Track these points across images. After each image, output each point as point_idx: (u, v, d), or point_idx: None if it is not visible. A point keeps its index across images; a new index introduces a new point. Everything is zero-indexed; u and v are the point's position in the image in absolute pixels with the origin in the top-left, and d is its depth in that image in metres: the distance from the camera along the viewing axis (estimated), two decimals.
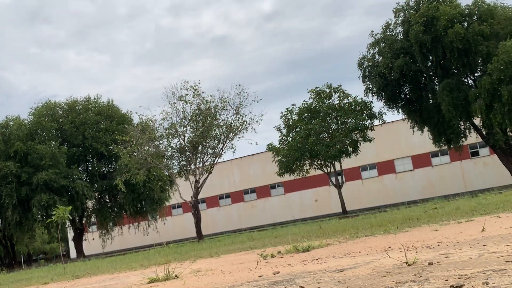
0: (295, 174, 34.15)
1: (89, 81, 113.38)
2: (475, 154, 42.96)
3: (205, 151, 26.36)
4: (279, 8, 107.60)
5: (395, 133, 44.53)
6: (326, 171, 34.24)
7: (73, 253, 49.80)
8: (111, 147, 34.92)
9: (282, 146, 33.99)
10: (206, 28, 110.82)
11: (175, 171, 27.76)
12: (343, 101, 33.25)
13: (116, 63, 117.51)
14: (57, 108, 38.54)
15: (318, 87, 33.93)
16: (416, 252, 3.00)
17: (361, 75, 30.89)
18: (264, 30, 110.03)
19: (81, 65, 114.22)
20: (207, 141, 25.99)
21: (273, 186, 50.69)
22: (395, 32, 30.29)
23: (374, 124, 33.97)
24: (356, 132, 32.61)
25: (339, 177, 34.09)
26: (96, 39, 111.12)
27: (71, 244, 50.50)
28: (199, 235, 25.70)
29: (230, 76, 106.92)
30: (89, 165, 39.80)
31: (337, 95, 33.58)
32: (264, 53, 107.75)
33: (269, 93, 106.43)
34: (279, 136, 34.43)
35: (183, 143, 26.23)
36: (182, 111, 26.03)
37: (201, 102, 25.82)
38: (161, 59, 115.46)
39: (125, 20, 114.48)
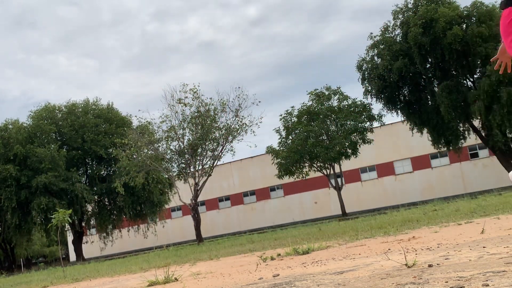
0: (295, 176, 34.15)
1: (77, 86, 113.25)
2: (475, 155, 42.98)
3: (204, 153, 26.34)
4: (265, 13, 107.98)
5: (394, 135, 44.56)
6: (325, 173, 34.25)
7: (72, 256, 49.75)
8: (110, 150, 34.91)
9: (281, 148, 34.01)
10: (193, 33, 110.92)
11: (174, 174, 27.74)
12: (342, 103, 33.28)
13: (103, 68, 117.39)
14: (56, 111, 38.53)
15: (318, 89, 34.00)
16: (416, 254, 3.00)
17: (360, 77, 30.93)
18: (251, 36, 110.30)
19: (69, 70, 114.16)
20: (207, 143, 25.98)
21: (272, 189, 50.67)
22: (394, 34, 30.33)
23: (374, 126, 33.99)
24: (355, 134, 32.63)
25: (339, 179, 34.09)
26: (83, 45, 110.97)
27: (71, 247, 50.46)
28: (199, 238, 25.67)
29: (219, 81, 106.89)
30: (89, 168, 39.78)
31: (336, 97, 33.61)
32: (252, 58, 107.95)
33: (259, 98, 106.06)
34: (279, 138, 34.48)
35: (183, 146, 26.22)
36: (182, 114, 26.04)
37: (200, 104, 25.82)
38: (149, 64, 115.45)
39: (111, 25, 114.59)
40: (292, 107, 34.54)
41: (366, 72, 30.66)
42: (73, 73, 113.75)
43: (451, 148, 30.43)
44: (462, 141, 30.20)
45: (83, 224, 39.99)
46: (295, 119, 33.91)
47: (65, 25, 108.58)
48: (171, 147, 26.67)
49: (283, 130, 34.29)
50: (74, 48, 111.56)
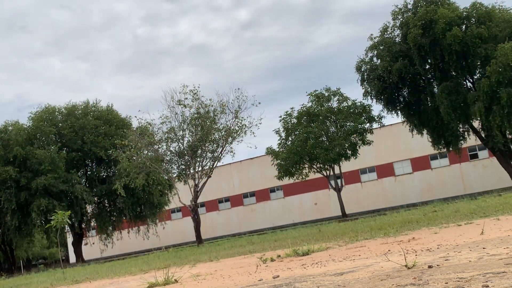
0: (295, 177, 34.13)
1: (71, 89, 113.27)
2: (474, 156, 42.97)
3: (204, 155, 26.34)
4: (256, 17, 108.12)
5: (394, 136, 44.55)
6: (325, 174, 34.23)
7: (72, 258, 49.73)
8: (110, 152, 34.88)
9: (281, 149, 33.99)
10: (184, 37, 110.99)
11: (174, 175, 27.73)
12: (342, 105, 33.27)
13: (96, 71, 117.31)
14: (56, 113, 38.52)
15: (317, 90, 33.98)
16: (416, 255, 3.00)
17: (360, 78, 30.92)
18: (242, 39, 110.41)
19: (62, 73, 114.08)
20: (206, 145, 25.97)
21: (272, 190, 50.65)
22: (393, 35, 30.32)
23: (373, 127, 33.98)
24: (355, 135, 32.61)
25: (339, 180, 34.07)
26: (76, 48, 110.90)
27: (71, 249, 50.43)
28: (199, 239, 25.66)
29: (211, 84, 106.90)
30: (88, 170, 39.76)
31: (336, 98, 33.60)
32: (244, 62, 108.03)
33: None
34: (278, 140, 34.46)
35: (182, 147, 26.22)
36: (181, 115, 26.04)
37: (200, 106, 25.82)
38: (141, 68, 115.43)
39: (102, 29, 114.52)
40: (292, 108, 34.55)
41: (366, 73, 30.65)
42: (66, 76, 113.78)
43: (451, 149, 30.42)
44: (462, 142, 30.18)
45: (83, 225, 39.96)
46: (294, 120, 33.89)
47: (57, 29, 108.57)
48: (171, 148, 26.68)
49: (283, 131, 34.27)
50: (67, 51, 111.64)
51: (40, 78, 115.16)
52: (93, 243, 44.43)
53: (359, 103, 32.80)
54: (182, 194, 26.20)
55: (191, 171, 26.37)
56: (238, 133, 26.17)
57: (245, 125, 26.27)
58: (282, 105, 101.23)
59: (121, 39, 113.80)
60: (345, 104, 33.20)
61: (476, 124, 29.53)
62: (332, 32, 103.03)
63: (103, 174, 39.20)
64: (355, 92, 66.31)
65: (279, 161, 33.57)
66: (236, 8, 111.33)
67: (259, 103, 41.43)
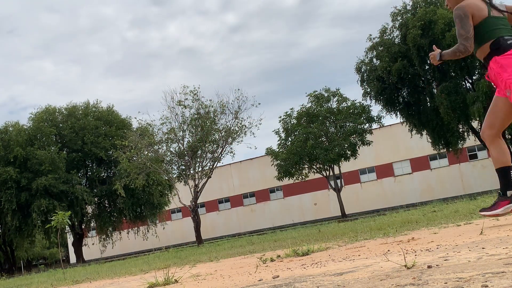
0: (294, 178, 34.17)
1: (63, 92, 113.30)
2: (474, 157, 43.01)
3: (204, 155, 26.34)
4: (244, 21, 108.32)
5: (393, 136, 44.60)
6: (325, 174, 34.27)
7: (72, 258, 49.77)
8: (111, 152, 34.93)
9: (281, 150, 34.04)
10: (173, 40, 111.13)
11: (174, 176, 27.75)
12: (342, 105, 33.32)
13: (87, 74, 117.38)
14: (57, 113, 38.57)
15: (317, 91, 34.06)
16: (415, 255, 3.01)
17: (359, 79, 30.98)
18: (231, 42, 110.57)
19: (53, 76, 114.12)
20: (206, 145, 25.98)
21: (272, 190, 50.69)
22: (392, 36, 30.38)
23: (373, 128, 34.03)
24: (354, 135, 32.66)
25: (338, 181, 34.11)
26: (65, 51, 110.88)
27: (71, 249, 50.46)
28: (199, 240, 25.66)
29: (202, 86, 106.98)
30: (89, 170, 39.80)
31: (335, 99, 33.65)
32: (234, 65, 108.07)
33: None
34: (278, 140, 34.52)
35: (182, 148, 26.22)
36: (181, 116, 26.06)
37: (200, 106, 25.84)
38: (131, 71, 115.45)
39: (91, 32, 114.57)
40: (291, 108, 34.62)
41: (365, 74, 30.70)
42: (58, 78, 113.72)
43: (450, 149, 30.48)
44: (461, 142, 30.23)
45: (83, 226, 39.99)
46: (294, 120, 33.95)
47: (47, 32, 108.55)
48: (171, 149, 26.68)
49: (283, 131, 34.33)
50: (57, 54, 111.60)
51: (32, 81, 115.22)
52: (93, 244, 44.46)
53: (358, 104, 32.86)
54: (182, 195, 26.21)
55: (191, 171, 26.38)
56: (238, 133, 26.19)
57: (245, 126, 26.30)
58: (273, 108, 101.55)
59: (110, 42, 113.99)
60: (344, 104, 33.26)
61: (476, 124, 29.59)
62: (321, 35, 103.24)
63: (103, 174, 39.25)
64: (347, 94, 66.67)
65: (278, 161, 33.62)
66: (224, 12, 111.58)
67: (259, 103, 41.51)
